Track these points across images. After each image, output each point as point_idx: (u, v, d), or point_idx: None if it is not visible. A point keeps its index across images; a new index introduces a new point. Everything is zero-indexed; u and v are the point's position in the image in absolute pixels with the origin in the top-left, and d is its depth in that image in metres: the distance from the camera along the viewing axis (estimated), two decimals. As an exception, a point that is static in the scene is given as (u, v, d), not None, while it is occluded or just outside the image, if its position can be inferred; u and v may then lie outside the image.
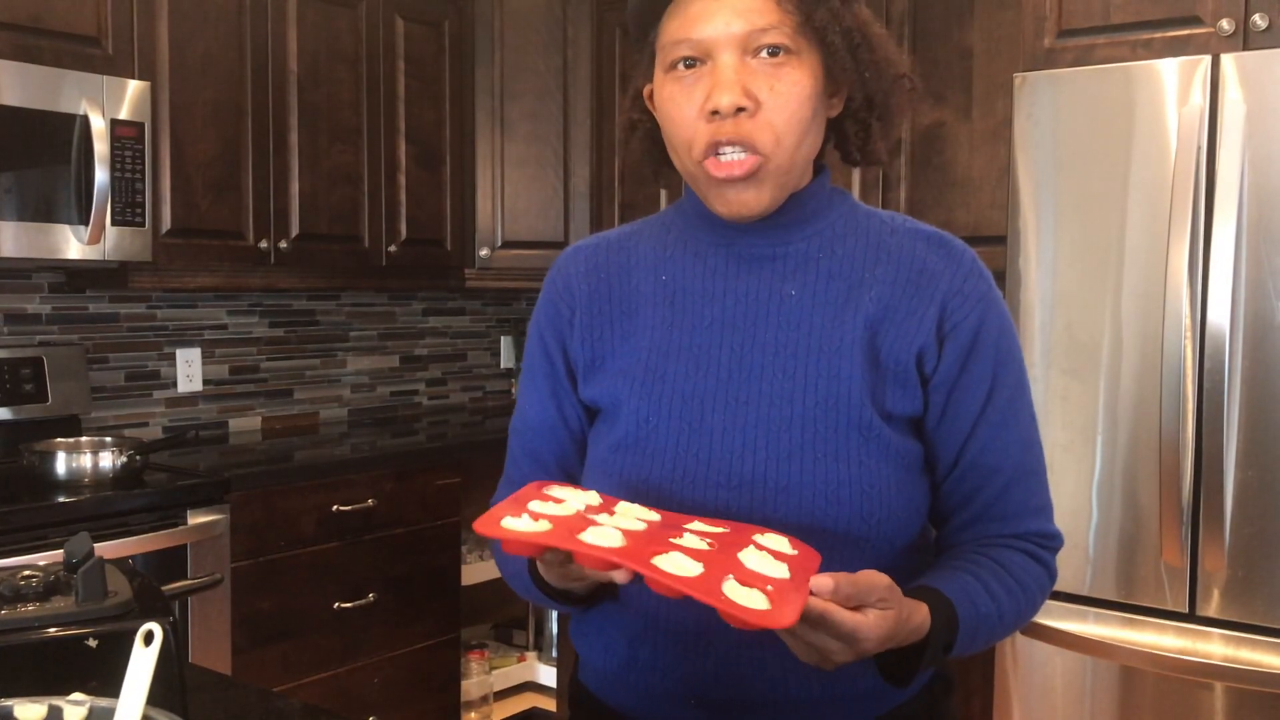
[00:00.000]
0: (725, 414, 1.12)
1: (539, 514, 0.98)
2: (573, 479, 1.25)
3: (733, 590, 0.90)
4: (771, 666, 1.10)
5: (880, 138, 1.18)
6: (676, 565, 0.91)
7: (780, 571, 0.94)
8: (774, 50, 1.08)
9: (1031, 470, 1.18)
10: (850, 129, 1.18)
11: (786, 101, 1.08)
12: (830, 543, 1.07)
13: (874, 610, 0.95)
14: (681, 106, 1.10)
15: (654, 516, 1.02)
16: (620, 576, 0.92)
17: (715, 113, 1.07)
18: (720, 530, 1.02)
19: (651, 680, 1.15)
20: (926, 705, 1.20)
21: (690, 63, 1.10)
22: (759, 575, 0.93)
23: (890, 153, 1.24)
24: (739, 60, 1.08)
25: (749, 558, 0.96)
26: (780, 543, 1.01)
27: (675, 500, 1.11)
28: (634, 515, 1.01)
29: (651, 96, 1.19)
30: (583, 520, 0.98)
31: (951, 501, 1.18)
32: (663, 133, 1.16)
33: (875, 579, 0.96)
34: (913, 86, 1.18)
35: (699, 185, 1.15)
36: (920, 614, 1.02)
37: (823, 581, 0.93)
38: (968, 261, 1.17)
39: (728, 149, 1.08)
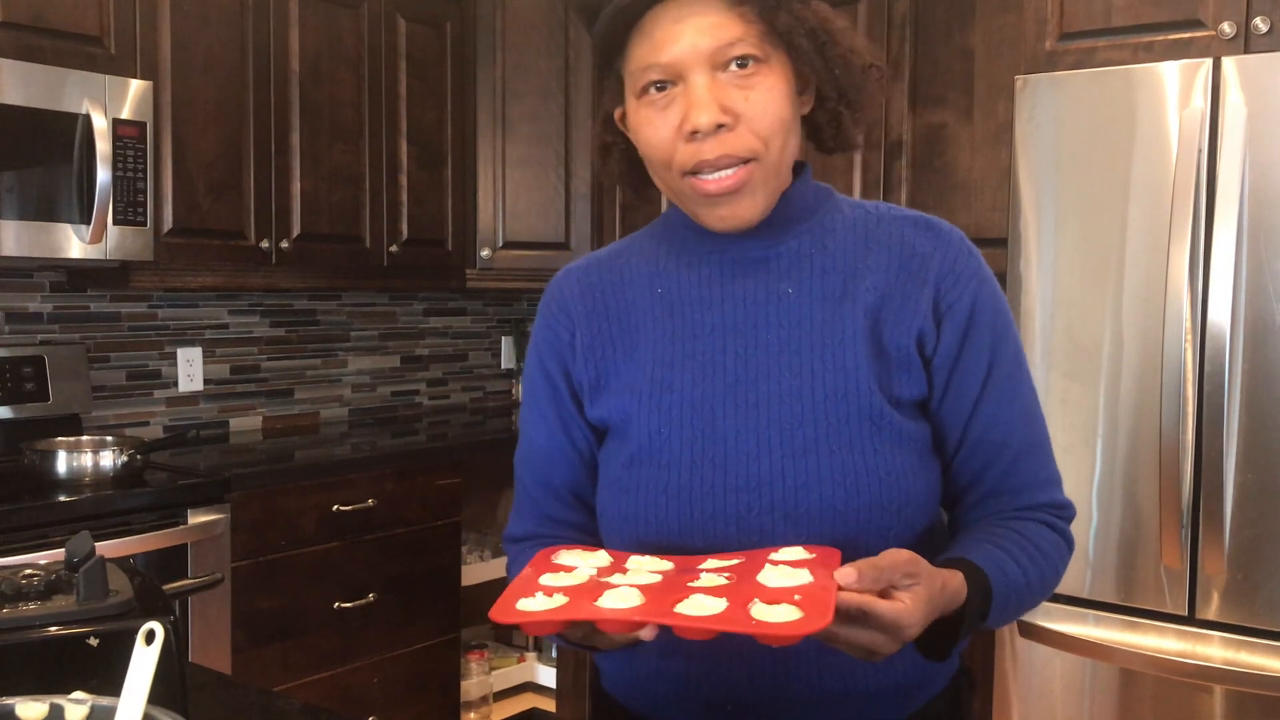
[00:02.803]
0: (736, 418, 1.12)
1: (552, 588, 0.97)
2: (584, 504, 1.24)
3: (761, 613, 0.90)
4: (804, 665, 1.10)
5: (852, 125, 1.19)
6: (699, 607, 0.91)
7: (803, 579, 0.94)
8: (743, 61, 1.08)
9: (1038, 443, 1.18)
10: (822, 119, 1.18)
11: (765, 108, 1.09)
12: (853, 533, 1.08)
13: (907, 593, 0.96)
14: (658, 129, 1.10)
15: (666, 565, 1.02)
16: (646, 634, 0.92)
17: (695, 133, 1.08)
18: (734, 562, 1.01)
19: (685, 690, 1.15)
20: (953, 701, 1.21)
21: (661, 85, 1.10)
22: (782, 590, 0.93)
23: (866, 139, 1.25)
24: (710, 77, 1.08)
25: (768, 577, 0.96)
26: (795, 552, 1.01)
27: (694, 508, 1.11)
28: (646, 569, 1.01)
29: (623, 119, 1.19)
30: (596, 585, 0.97)
31: (962, 480, 1.18)
32: (641, 154, 1.16)
33: (896, 556, 0.97)
34: (881, 75, 1.19)
35: (686, 201, 1.15)
36: (955, 579, 1.02)
37: (846, 572, 0.93)
38: (956, 241, 1.17)
39: (712, 170, 1.09)
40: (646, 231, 1.27)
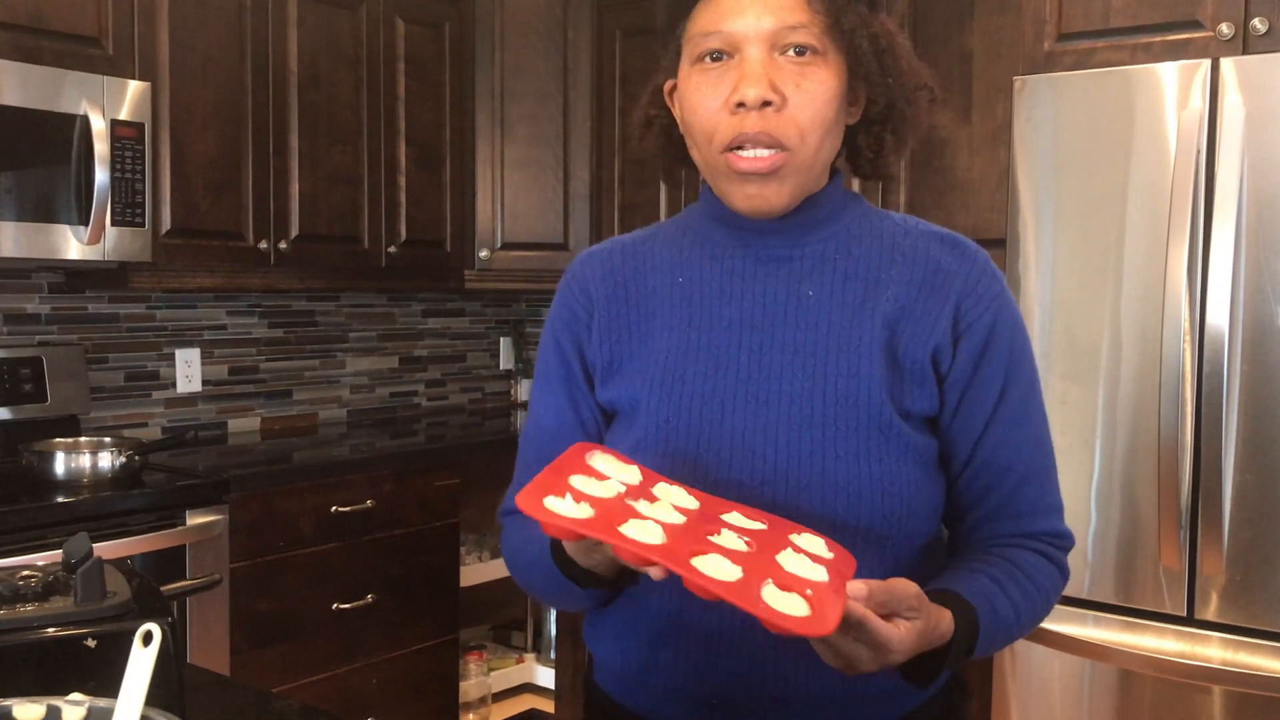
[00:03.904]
0: (745, 414, 1.13)
1: (581, 494, 0.97)
2: None
3: (772, 596, 0.90)
4: (793, 667, 1.11)
5: (892, 152, 1.19)
6: (715, 568, 0.91)
7: (819, 575, 0.95)
8: (801, 49, 1.09)
9: (1044, 470, 1.19)
10: (863, 142, 1.19)
11: (812, 99, 1.09)
12: (851, 541, 1.08)
13: (904, 621, 0.96)
14: (707, 97, 1.11)
15: (693, 503, 1.02)
16: (656, 574, 0.92)
17: (741, 105, 1.08)
18: (758, 527, 1.01)
19: (672, 682, 1.15)
20: (943, 708, 1.21)
21: (718, 56, 1.11)
22: (798, 579, 0.93)
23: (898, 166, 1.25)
24: (767, 55, 1.09)
25: (787, 560, 0.96)
26: (817, 544, 1.01)
27: None
28: (672, 501, 1.01)
29: (671, 92, 1.20)
30: (624, 507, 0.97)
31: (964, 500, 1.18)
32: (683, 124, 1.17)
33: (906, 587, 0.97)
34: (933, 98, 1.19)
35: (717, 178, 1.15)
36: (945, 621, 1.03)
37: (857, 587, 0.94)
38: (981, 262, 1.18)
39: (750, 146, 1.09)
40: (674, 220, 1.28)
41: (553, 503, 0.95)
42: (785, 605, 0.89)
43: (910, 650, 0.97)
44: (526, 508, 0.94)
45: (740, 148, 1.10)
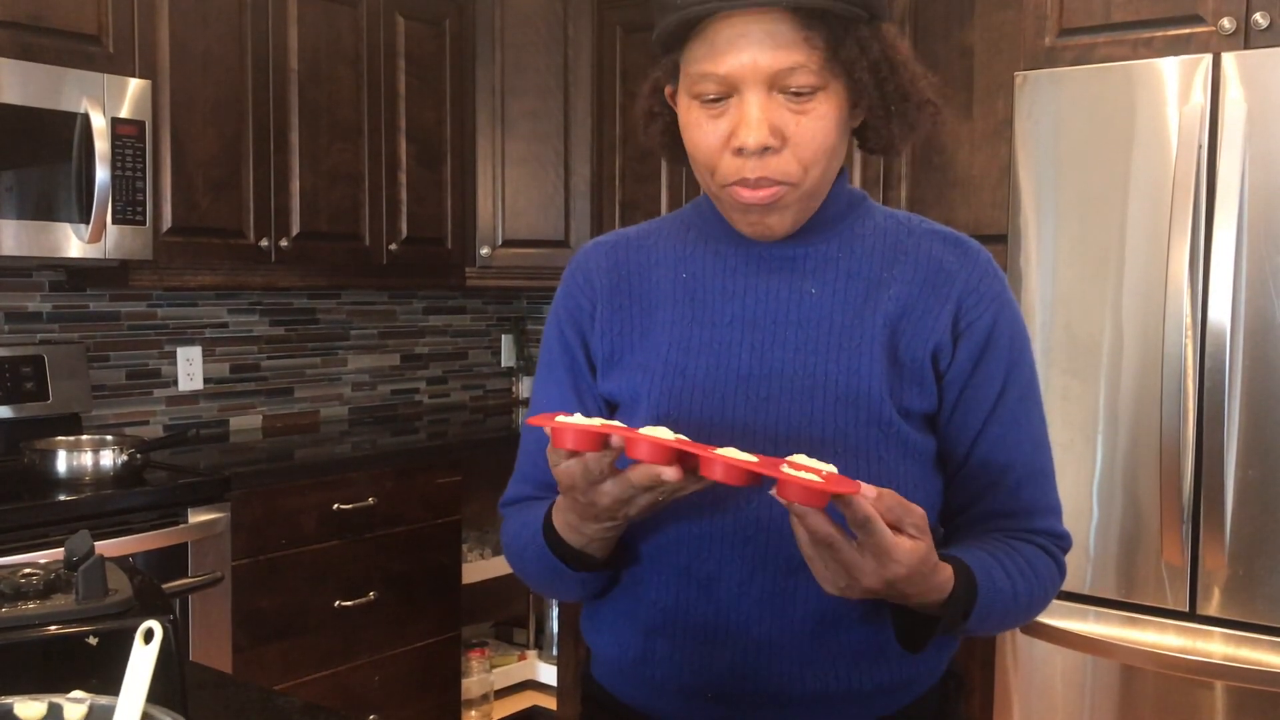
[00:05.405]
0: (746, 410, 1.13)
1: (586, 418, 1.00)
2: None
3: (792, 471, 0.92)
4: (787, 660, 1.11)
5: (900, 138, 1.19)
6: (734, 456, 0.93)
7: (828, 469, 0.97)
8: (801, 89, 1.08)
9: (1042, 470, 1.19)
10: (870, 129, 1.19)
11: (813, 135, 1.09)
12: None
13: (908, 538, 0.96)
14: (708, 135, 1.11)
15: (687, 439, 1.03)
16: (670, 474, 0.93)
17: (741, 150, 1.08)
18: (753, 459, 1.03)
19: (667, 674, 1.15)
20: (938, 703, 1.21)
21: (716, 95, 1.10)
22: (810, 468, 0.95)
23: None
24: (765, 96, 1.08)
25: (796, 461, 0.97)
26: (814, 464, 1.02)
27: (693, 495, 1.10)
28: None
29: (673, 96, 1.19)
30: (628, 427, 0.99)
31: (961, 498, 1.19)
32: (686, 150, 1.16)
33: (917, 507, 0.98)
34: (936, 112, 1.18)
35: (722, 205, 1.16)
36: (945, 571, 1.03)
37: (869, 487, 0.95)
38: (983, 262, 1.18)
39: (753, 184, 1.09)
40: (679, 215, 1.28)
41: (564, 417, 0.97)
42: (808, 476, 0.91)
43: (912, 567, 0.96)
44: (538, 421, 0.96)
45: (743, 183, 1.10)
